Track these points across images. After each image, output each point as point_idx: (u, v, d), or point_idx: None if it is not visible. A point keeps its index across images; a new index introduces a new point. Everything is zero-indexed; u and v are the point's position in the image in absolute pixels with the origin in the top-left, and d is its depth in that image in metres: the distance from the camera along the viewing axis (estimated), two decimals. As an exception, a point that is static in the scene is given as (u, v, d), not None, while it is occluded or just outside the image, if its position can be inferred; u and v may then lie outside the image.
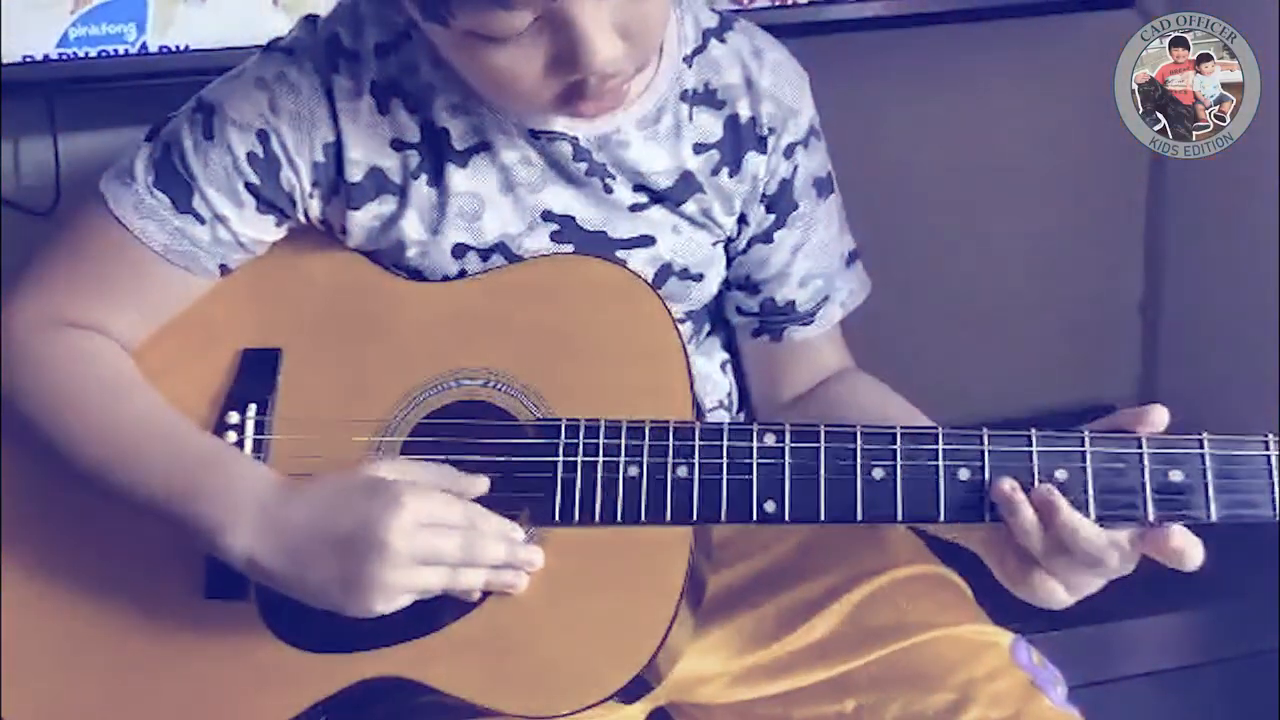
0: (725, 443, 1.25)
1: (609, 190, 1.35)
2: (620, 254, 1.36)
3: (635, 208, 1.37)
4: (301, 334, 1.37)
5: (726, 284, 1.45)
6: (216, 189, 1.32)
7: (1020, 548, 1.21)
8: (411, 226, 1.34)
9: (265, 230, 1.35)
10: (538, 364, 1.31)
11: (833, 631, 1.37)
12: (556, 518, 1.26)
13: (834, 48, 1.88)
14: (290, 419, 1.34)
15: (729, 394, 1.48)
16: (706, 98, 1.38)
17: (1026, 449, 1.21)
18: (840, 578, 1.39)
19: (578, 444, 1.27)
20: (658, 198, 1.37)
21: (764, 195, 1.40)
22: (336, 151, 1.33)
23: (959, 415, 1.34)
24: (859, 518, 1.23)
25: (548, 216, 1.35)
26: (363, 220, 1.34)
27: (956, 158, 2.16)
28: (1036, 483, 1.20)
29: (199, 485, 1.27)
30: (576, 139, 1.33)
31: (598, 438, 1.27)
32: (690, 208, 1.38)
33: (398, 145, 1.34)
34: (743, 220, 1.41)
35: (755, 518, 1.24)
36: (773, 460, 1.24)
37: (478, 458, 1.29)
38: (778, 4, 1.91)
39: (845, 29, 1.94)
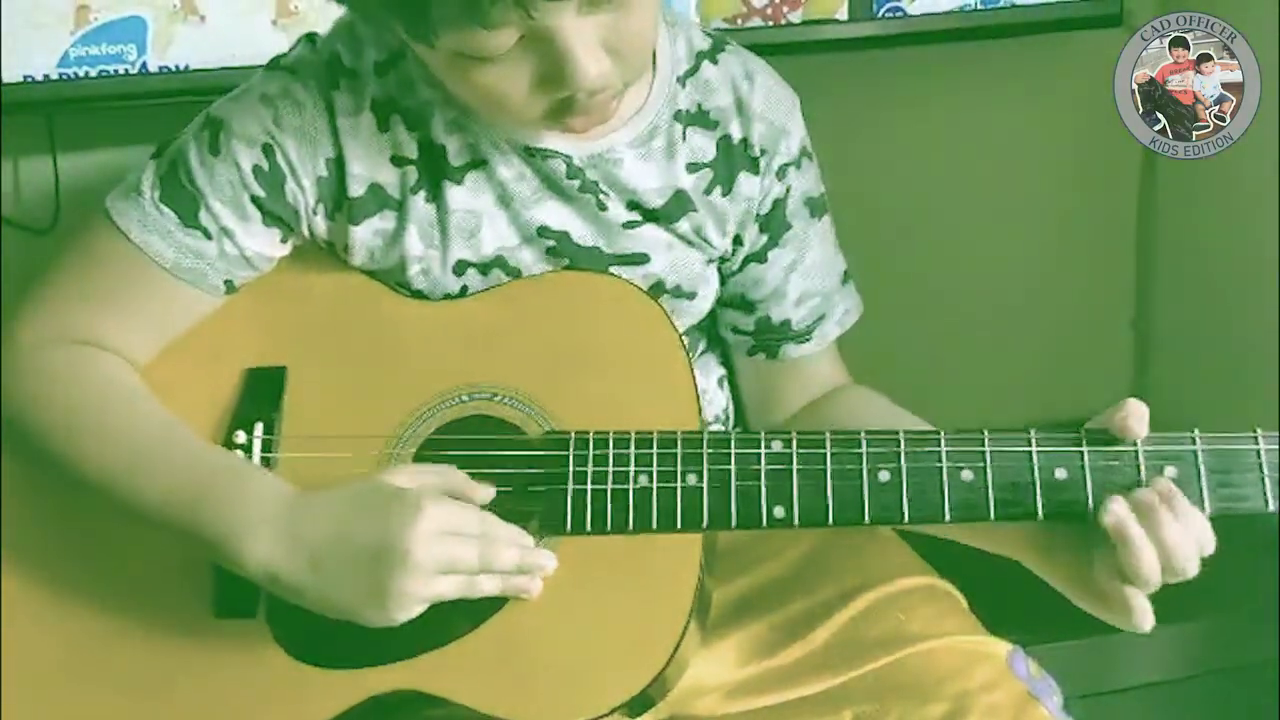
0: (733, 450, 1.26)
1: (603, 208, 1.36)
2: (614, 270, 1.37)
3: (629, 225, 1.38)
4: (306, 353, 1.37)
5: (722, 303, 1.46)
6: (222, 203, 1.33)
7: (1113, 570, 1.22)
8: (413, 242, 1.35)
9: (270, 245, 1.36)
10: (544, 378, 1.32)
11: (831, 643, 1.37)
12: (568, 527, 1.27)
13: (826, 67, 1.90)
14: (296, 437, 1.34)
15: (725, 409, 1.49)
16: (699, 118, 1.39)
17: (1026, 449, 1.24)
18: (838, 590, 1.40)
19: (587, 455, 1.28)
20: (651, 216, 1.38)
21: (758, 215, 1.42)
22: (339, 167, 1.34)
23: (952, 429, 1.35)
24: (866, 519, 1.25)
25: (543, 231, 1.36)
26: (364, 236, 1.35)
27: (948, 174, 2.17)
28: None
29: (212, 496, 1.27)
30: (570, 157, 1.34)
31: (607, 449, 1.28)
32: (683, 226, 1.39)
33: (397, 161, 1.35)
34: (738, 241, 1.42)
35: (765, 523, 1.26)
36: (781, 466, 1.26)
37: (488, 471, 1.29)
38: (771, 24, 1.92)
39: (838, 49, 1.96)
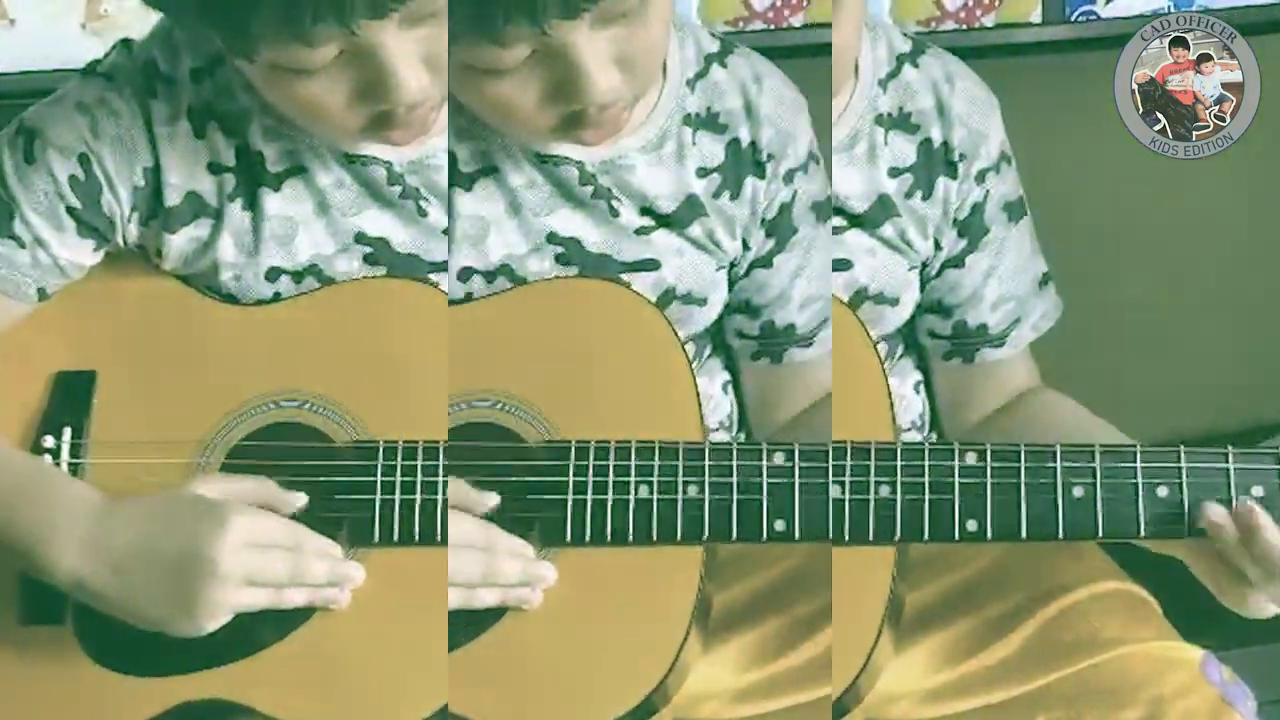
0: (735, 462, 1.26)
1: (615, 214, 1.34)
2: (624, 277, 1.35)
3: (641, 231, 1.35)
4: (116, 357, 1.34)
5: (920, 308, 1.46)
6: (37, 212, 1.31)
7: (1230, 564, 1.23)
8: (226, 249, 1.33)
9: (84, 254, 1.34)
10: (350, 384, 1.30)
11: (1025, 647, 1.37)
12: (568, 538, 1.26)
13: (1020, 70, 1.90)
14: (106, 443, 1.32)
15: (729, 414, 1.47)
16: (709, 122, 1.37)
17: (1223, 465, 1.23)
18: (1033, 594, 1.39)
19: (396, 465, 1.27)
20: (663, 221, 1.36)
21: (955, 220, 1.42)
22: (155, 176, 1.32)
23: (1141, 436, 1.35)
24: (1060, 535, 1.24)
25: (360, 239, 1.34)
26: (179, 244, 1.33)
27: (1137, 176, 2.15)
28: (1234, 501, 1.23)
29: (17, 503, 1.26)
30: (583, 163, 1.33)
31: (607, 459, 1.26)
32: (695, 231, 1.36)
33: (214, 169, 1.33)
34: (936, 245, 1.42)
35: (765, 537, 1.25)
36: (975, 479, 1.25)
37: (293, 479, 1.28)
38: (964, 27, 1.93)
39: (1032, 52, 1.96)
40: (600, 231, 1.35)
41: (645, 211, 1.35)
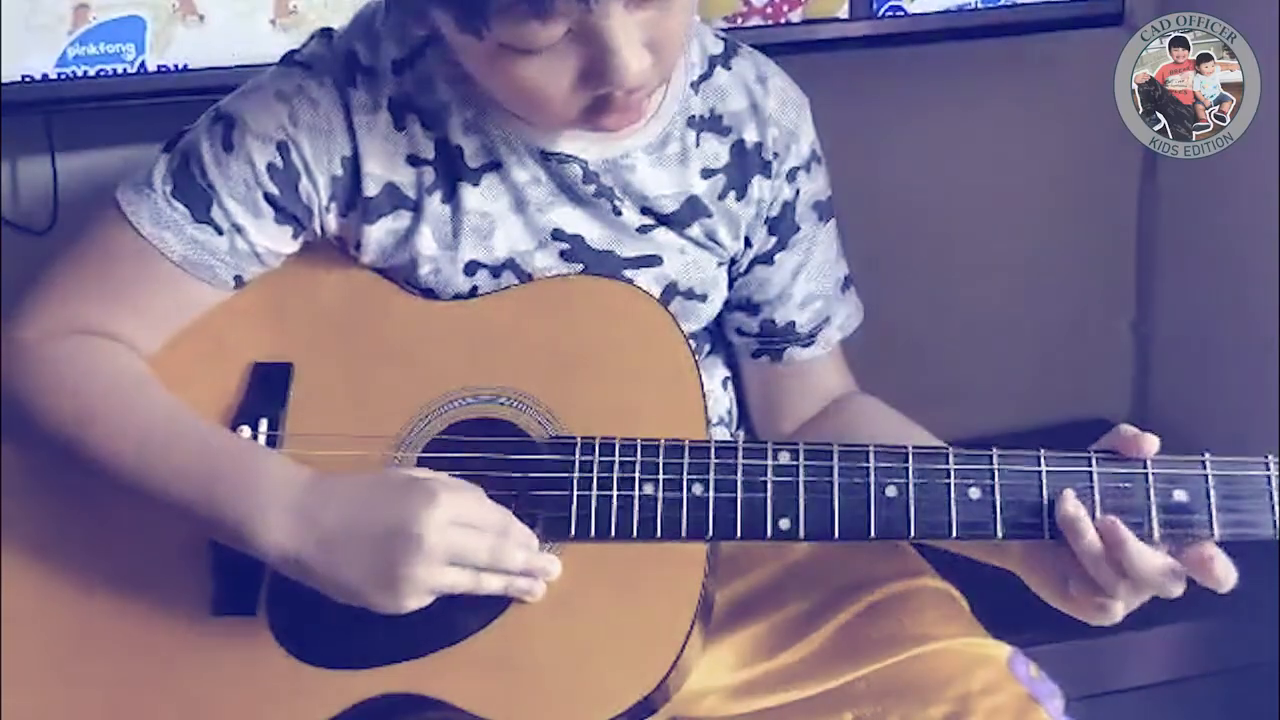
0: (740, 461, 1.26)
1: (617, 212, 1.36)
2: (628, 273, 1.37)
3: (642, 229, 1.37)
4: (313, 349, 1.37)
5: (728, 305, 1.45)
6: (235, 199, 1.33)
7: (1081, 572, 1.22)
8: (425, 242, 1.35)
9: (282, 242, 1.36)
10: (551, 382, 1.32)
11: (831, 644, 1.38)
12: (572, 533, 1.27)
13: (827, 66, 1.89)
14: (300, 435, 1.34)
15: (729, 410, 1.48)
16: (713, 123, 1.39)
17: (1035, 469, 1.23)
18: (839, 590, 1.40)
19: (593, 461, 1.28)
20: (664, 220, 1.38)
21: (767, 218, 1.42)
22: (354, 166, 1.34)
23: (953, 432, 1.35)
24: (872, 535, 1.24)
25: (557, 235, 1.36)
26: (377, 235, 1.35)
27: (947, 175, 2.17)
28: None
29: (227, 477, 1.27)
30: (586, 162, 1.35)
31: (612, 455, 1.28)
32: (695, 230, 1.39)
33: (413, 161, 1.34)
34: (746, 243, 1.42)
35: (769, 535, 1.25)
36: (788, 478, 1.25)
37: (492, 474, 1.29)
38: (771, 23, 1.92)
39: (838, 48, 1.96)
40: (603, 229, 1.37)
41: (647, 211, 1.37)
